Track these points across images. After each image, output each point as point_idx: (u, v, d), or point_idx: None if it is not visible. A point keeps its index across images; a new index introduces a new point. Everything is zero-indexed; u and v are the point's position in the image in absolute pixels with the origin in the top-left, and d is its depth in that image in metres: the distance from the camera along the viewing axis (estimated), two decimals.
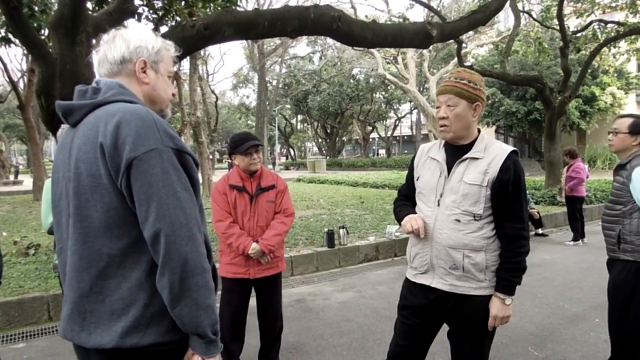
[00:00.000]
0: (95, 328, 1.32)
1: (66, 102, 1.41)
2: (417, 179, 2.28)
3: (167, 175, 1.28)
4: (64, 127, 2.90)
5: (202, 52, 19.63)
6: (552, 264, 6.61)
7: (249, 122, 50.63)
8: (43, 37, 5.79)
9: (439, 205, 2.14)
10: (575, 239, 8.03)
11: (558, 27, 11.85)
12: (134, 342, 1.30)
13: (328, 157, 41.58)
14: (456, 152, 2.17)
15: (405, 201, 2.38)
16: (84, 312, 1.34)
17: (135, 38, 1.45)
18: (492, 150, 2.11)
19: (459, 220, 2.08)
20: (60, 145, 1.47)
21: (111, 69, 1.45)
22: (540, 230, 8.77)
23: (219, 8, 7.20)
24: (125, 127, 1.27)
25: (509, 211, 2.07)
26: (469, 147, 2.15)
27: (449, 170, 2.15)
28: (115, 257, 1.31)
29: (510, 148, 2.11)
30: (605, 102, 22.97)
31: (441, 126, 2.14)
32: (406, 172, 2.45)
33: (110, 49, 1.44)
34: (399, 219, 2.28)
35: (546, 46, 14.59)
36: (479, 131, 2.19)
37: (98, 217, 1.30)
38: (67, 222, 1.38)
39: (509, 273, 2.07)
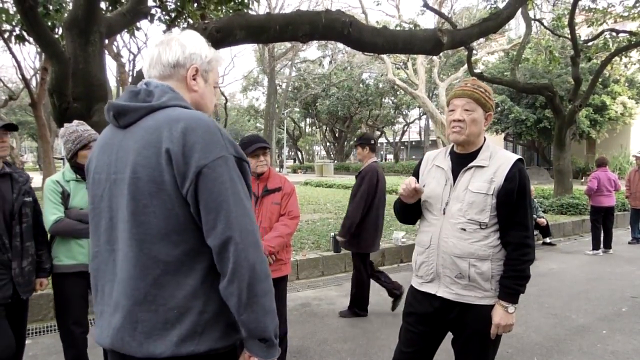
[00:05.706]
0: (146, 338, 1.29)
1: (121, 103, 1.37)
2: (423, 187, 2.28)
3: (233, 183, 1.28)
4: (68, 125, 2.86)
5: None
6: (559, 273, 6.56)
7: (258, 124, 50.74)
8: (57, 36, 5.84)
9: (444, 213, 2.14)
10: (595, 248, 7.98)
11: (569, 36, 11.80)
12: (190, 350, 1.29)
13: (336, 161, 41.50)
14: (462, 160, 2.17)
15: None
16: (135, 322, 1.30)
17: (191, 44, 1.44)
18: (497, 159, 2.11)
19: (464, 229, 2.08)
20: (102, 145, 1.42)
21: (163, 71, 1.42)
22: (547, 240, 8.70)
23: (231, 11, 7.23)
24: (192, 134, 1.26)
25: (514, 219, 2.07)
26: (474, 155, 2.15)
27: (455, 178, 2.15)
28: (171, 264, 1.29)
29: (515, 156, 2.12)
30: (616, 112, 22.80)
31: (454, 127, 2.13)
32: None
33: (165, 51, 1.42)
34: (398, 203, 2.32)
35: (557, 55, 14.53)
36: (484, 139, 2.20)
37: (157, 223, 1.28)
38: (108, 225, 1.36)
39: (512, 281, 2.06)
